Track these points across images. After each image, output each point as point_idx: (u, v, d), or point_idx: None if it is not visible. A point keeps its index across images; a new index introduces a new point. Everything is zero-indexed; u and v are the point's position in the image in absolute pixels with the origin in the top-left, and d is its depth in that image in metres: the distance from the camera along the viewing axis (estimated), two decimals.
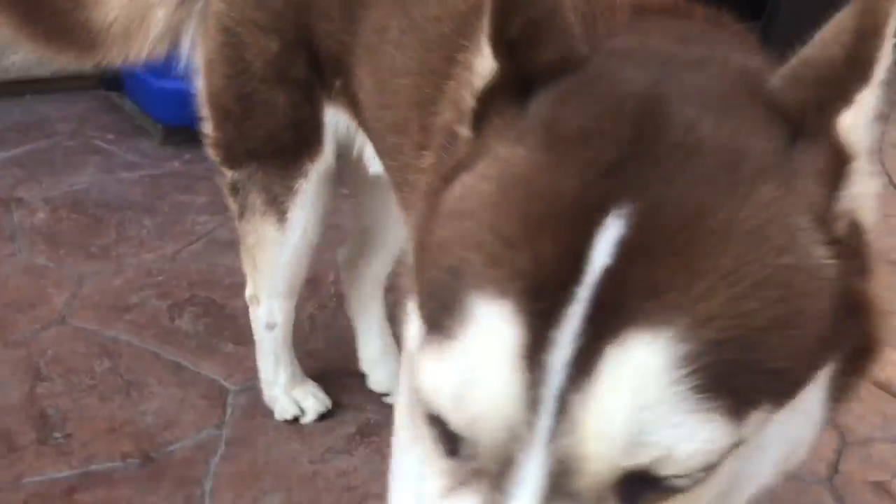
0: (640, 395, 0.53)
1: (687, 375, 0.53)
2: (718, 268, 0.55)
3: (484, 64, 0.69)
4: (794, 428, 0.66)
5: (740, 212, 0.57)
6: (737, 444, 0.56)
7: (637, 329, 0.54)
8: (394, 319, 1.85)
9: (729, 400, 0.54)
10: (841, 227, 0.62)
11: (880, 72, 0.61)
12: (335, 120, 1.49)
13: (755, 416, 0.57)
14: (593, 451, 0.54)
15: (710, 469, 0.56)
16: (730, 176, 0.58)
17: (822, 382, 0.66)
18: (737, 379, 0.55)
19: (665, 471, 0.55)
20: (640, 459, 0.54)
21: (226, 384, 1.91)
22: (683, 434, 0.53)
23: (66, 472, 1.66)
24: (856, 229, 0.64)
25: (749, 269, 0.55)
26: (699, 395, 0.53)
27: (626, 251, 0.55)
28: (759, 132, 0.61)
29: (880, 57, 0.60)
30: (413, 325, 0.72)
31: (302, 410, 1.82)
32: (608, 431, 0.54)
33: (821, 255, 0.59)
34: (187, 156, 2.77)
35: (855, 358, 0.67)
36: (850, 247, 0.63)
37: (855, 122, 0.61)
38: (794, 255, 0.58)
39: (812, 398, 0.65)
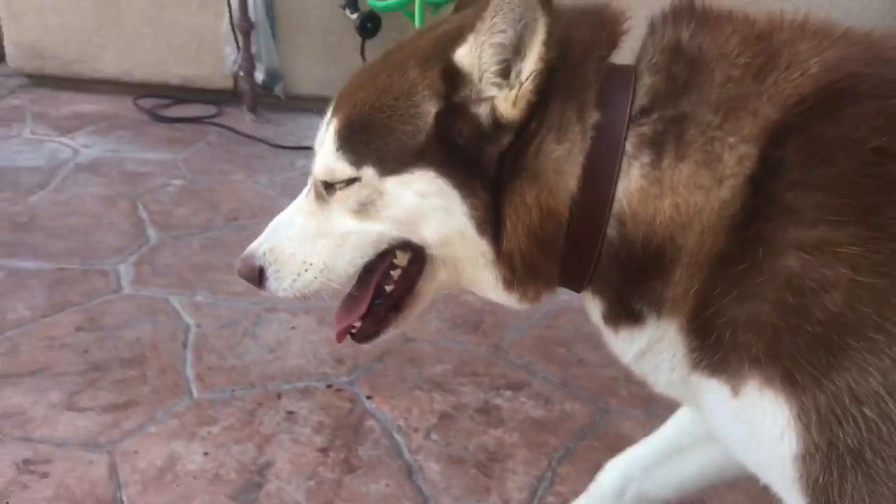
0: (326, 148, 1.22)
1: (338, 139, 1.19)
2: (357, 100, 1.19)
3: None
4: None
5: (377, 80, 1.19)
6: (359, 179, 1.19)
7: (330, 119, 1.22)
8: None
9: (351, 154, 1.19)
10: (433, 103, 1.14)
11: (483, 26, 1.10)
12: None
13: (367, 170, 1.18)
14: (316, 171, 1.24)
15: (352, 182, 1.20)
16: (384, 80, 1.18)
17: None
18: (355, 145, 1.19)
19: (333, 178, 1.21)
20: (325, 172, 1.22)
21: None
22: (336, 165, 1.19)
23: None
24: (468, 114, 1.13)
25: (369, 99, 1.18)
26: (340, 150, 1.20)
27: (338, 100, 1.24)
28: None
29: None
30: None
31: None
32: (322, 164, 1.23)
33: (419, 105, 1.15)
34: None
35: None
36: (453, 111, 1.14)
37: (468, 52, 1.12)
38: (398, 99, 1.16)
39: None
